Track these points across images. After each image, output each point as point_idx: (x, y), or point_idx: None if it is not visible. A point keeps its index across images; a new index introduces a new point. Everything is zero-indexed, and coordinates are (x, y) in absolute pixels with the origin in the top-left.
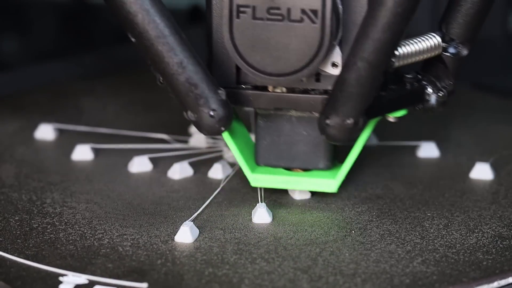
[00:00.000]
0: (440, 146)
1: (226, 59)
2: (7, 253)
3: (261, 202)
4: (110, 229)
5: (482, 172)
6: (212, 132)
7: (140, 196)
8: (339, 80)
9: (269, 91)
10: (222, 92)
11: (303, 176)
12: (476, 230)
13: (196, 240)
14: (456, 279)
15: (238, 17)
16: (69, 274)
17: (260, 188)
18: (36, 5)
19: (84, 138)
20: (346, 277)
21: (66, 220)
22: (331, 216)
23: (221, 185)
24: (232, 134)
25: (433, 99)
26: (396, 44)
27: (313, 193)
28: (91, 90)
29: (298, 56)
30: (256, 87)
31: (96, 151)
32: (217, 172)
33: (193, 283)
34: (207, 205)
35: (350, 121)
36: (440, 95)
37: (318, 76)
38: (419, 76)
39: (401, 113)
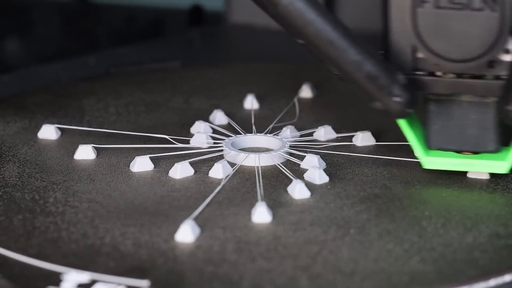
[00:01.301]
0: None
1: (403, 47)
2: (11, 251)
3: (261, 201)
4: (112, 228)
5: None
6: (402, 116)
7: (141, 195)
8: None
9: (446, 77)
10: (402, 77)
11: (474, 158)
12: (473, 229)
13: (197, 239)
14: (453, 278)
15: (421, 6)
16: (71, 272)
17: (260, 188)
18: (38, 6)
19: (86, 138)
20: (345, 276)
21: (68, 219)
22: (330, 215)
23: (221, 184)
24: (407, 118)
25: None
26: None
27: (312, 193)
28: (93, 91)
29: (478, 43)
30: (430, 73)
31: (98, 151)
32: (217, 171)
33: (194, 281)
34: (208, 204)
35: None
36: None
37: (491, 62)
38: None
39: None
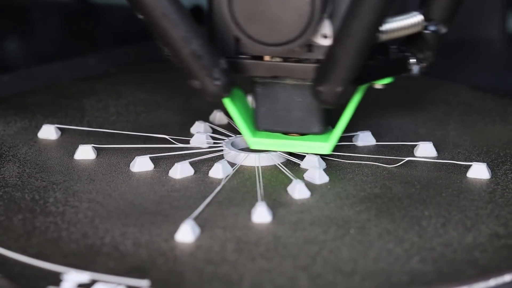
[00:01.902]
0: (437, 146)
1: (226, 31)
2: (11, 251)
3: (261, 201)
4: (112, 228)
5: (479, 171)
6: (216, 98)
7: (141, 195)
8: (329, 52)
9: (266, 61)
10: (223, 62)
11: (299, 139)
12: (473, 229)
13: (197, 238)
14: (453, 277)
15: None
16: (71, 272)
17: (260, 188)
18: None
19: (86, 138)
20: (344, 275)
21: (68, 219)
22: (330, 215)
23: (221, 184)
24: (232, 100)
25: (415, 68)
26: (380, 23)
27: (312, 193)
28: (93, 91)
29: (291, 28)
30: (253, 57)
31: (98, 151)
32: (217, 171)
33: (194, 281)
34: (208, 204)
35: (339, 88)
36: (423, 65)
37: (310, 46)
38: (403, 48)
39: (386, 80)
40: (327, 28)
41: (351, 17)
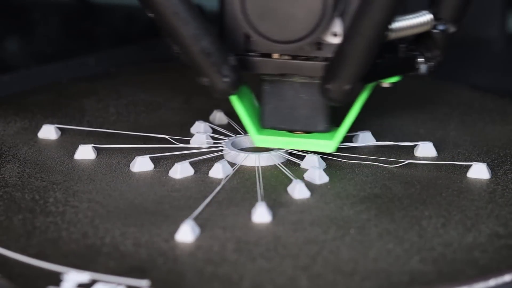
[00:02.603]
0: (437, 146)
1: (236, 29)
2: (11, 251)
3: (261, 201)
4: (112, 228)
5: (479, 171)
6: (224, 95)
7: (141, 195)
8: (339, 50)
9: (275, 58)
10: (232, 59)
11: (304, 137)
12: (473, 229)
13: (196, 238)
14: (453, 277)
15: None
16: (71, 272)
17: (260, 188)
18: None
19: (86, 138)
20: (345, 275)
21: (68, 219)
22: (330, 215)
23: (221, 184)
24: (239, 97)
25: (423, 67)
26: (390, 22)
27: (312, 193)
28: (93, 91)
29: (302, 25)
30: (263, 54)
31: (98, 151)
32: (217, 171)
33: (194, 281)
34: (208, 204)
35: (347, 86)
36: (431, 64)
37: (319, 44)
38: (411, 47)
39: (394, 79)
40: (337, 26)
41: (361, 16)
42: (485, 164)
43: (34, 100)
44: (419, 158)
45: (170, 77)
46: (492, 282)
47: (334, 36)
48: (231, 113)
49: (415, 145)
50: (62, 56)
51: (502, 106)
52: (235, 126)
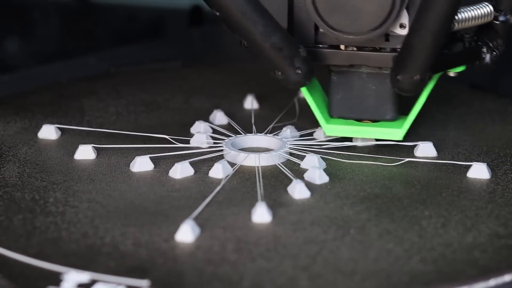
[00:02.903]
0: (437, 146)
1: (305, 21)
2: (11, 251)
3: (261, 201)
4: (112, 228)
5: (479, 171)
6: (298, 86)
7: (141, 195)
8: (406, 43)
9: (343, 50)
10: (303, 50)
11: (372, 126)
12: (473, 229)
13: (196, 238)
14: (453, 277)
15: None
16: (71, 272)
17: (260, 188)
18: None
19: (87, 138)
20: (344, 275)
21: (68, 219)
22: (330, 215)
23: (221, 184)
24: (308, 89)
25: (488, 57)
26: (454, 13)
27: (312, 193)
28: (93, 91)
29: (372, 18)
30: (331, 46)
31: (98, 151)
32: (217, 171)
33: (194, 281)
34: (208, 204)
35: (417, 77)
36: (494, 54)
37: (387, 36)
38: (475, 38)
39: (460, 68)
40: (405, 18)
41: (426, 8)
42: (485, 164)
43: (34, 100)
44: (419, 158)
45: (170, 77)
46: (492, 282)
47: (402, 27)
48: (231, 113)
49: (415, 145)
50: (62, 56)
51: (502, 106)
52: (235, 126)
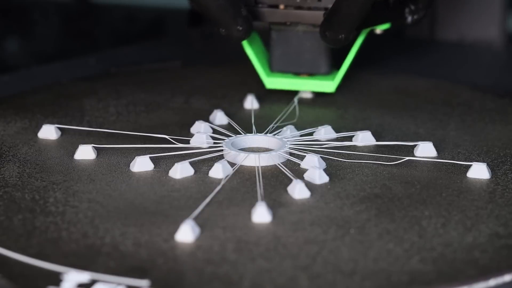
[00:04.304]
0: (437, 146)
1: None
2: (11, 251)
3: (261, 201)
4: (112, 228)
5: (479, 171)
6: (239, 41)
7: (141, 195)
8: (335, 5)
9: (281, 9)
10: (244, 10)
11: (309, 79)
12: (473, 229)
13: (197, 238)
14: (453, 277)
15: None
16: (71, 272)
17: (260, 188)
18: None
19: (87, 138)
20: (344, 275)
21: (68, 219)
22: (330, 215)
23: (221, 184)
24: (250, 43)
25: (409, 18)
26: None
27: (312, 193)
28: (93, 91)
29: None
30: (270, 5)
31: (98, 151)
32: (217, 171)
33: (194, 281)
34: (208, 204)
35: (342, 36)
36: (415, 17)
37: None
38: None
39: (385, 26)
40: None
41: None
42: (485, 164)
43: (34, 100)
44: (419, 158)
45: (170, 77)
46: (492, 282)
47: None
48: (231, 113)
49: (415, 145)
50: (62, 56)
51: (502, 106)
52: (235, 126)
